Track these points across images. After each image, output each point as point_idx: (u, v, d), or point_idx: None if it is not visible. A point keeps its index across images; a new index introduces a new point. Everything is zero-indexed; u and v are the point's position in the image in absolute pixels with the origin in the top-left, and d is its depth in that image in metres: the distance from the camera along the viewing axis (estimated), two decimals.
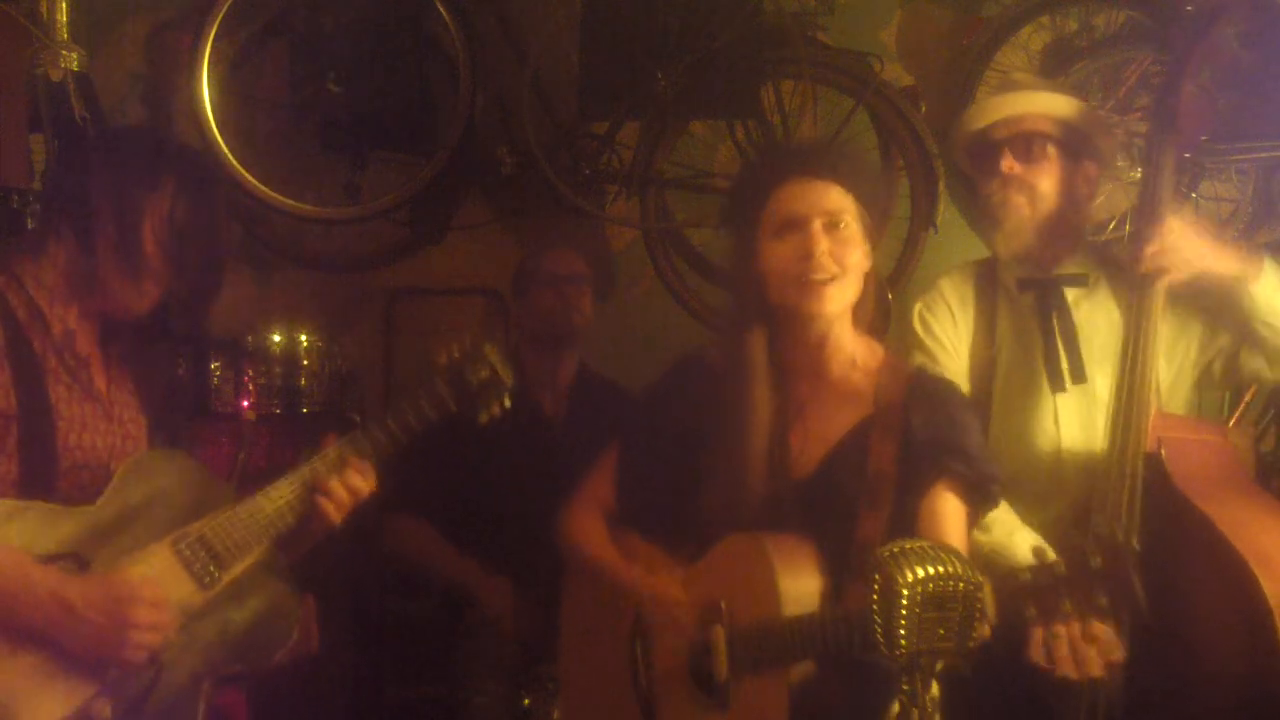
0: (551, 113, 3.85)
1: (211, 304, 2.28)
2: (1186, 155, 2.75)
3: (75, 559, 2.06)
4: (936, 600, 1.77)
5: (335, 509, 2.23)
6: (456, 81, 3.82)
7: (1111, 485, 2.47)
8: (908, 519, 2.19)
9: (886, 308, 2.35)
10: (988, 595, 1.84)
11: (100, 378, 2.23)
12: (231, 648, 2.16)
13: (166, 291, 2.20)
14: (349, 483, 2.24)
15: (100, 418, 2.21)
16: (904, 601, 1.76)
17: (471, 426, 2.37)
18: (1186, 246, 2.53)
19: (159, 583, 2.07)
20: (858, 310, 2.30)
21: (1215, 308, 2.63)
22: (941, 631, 1.78)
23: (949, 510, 2.21)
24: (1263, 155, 3.34)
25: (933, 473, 2.21)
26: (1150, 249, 2.53)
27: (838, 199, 2.23)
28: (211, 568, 2.13)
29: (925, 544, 1.83)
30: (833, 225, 2.22)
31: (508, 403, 2.39)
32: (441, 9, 3.79)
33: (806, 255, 2.20)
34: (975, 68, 3.87)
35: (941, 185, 3.69)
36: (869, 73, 3.70)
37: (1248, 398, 3.21)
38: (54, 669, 2.00)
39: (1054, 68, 3.76)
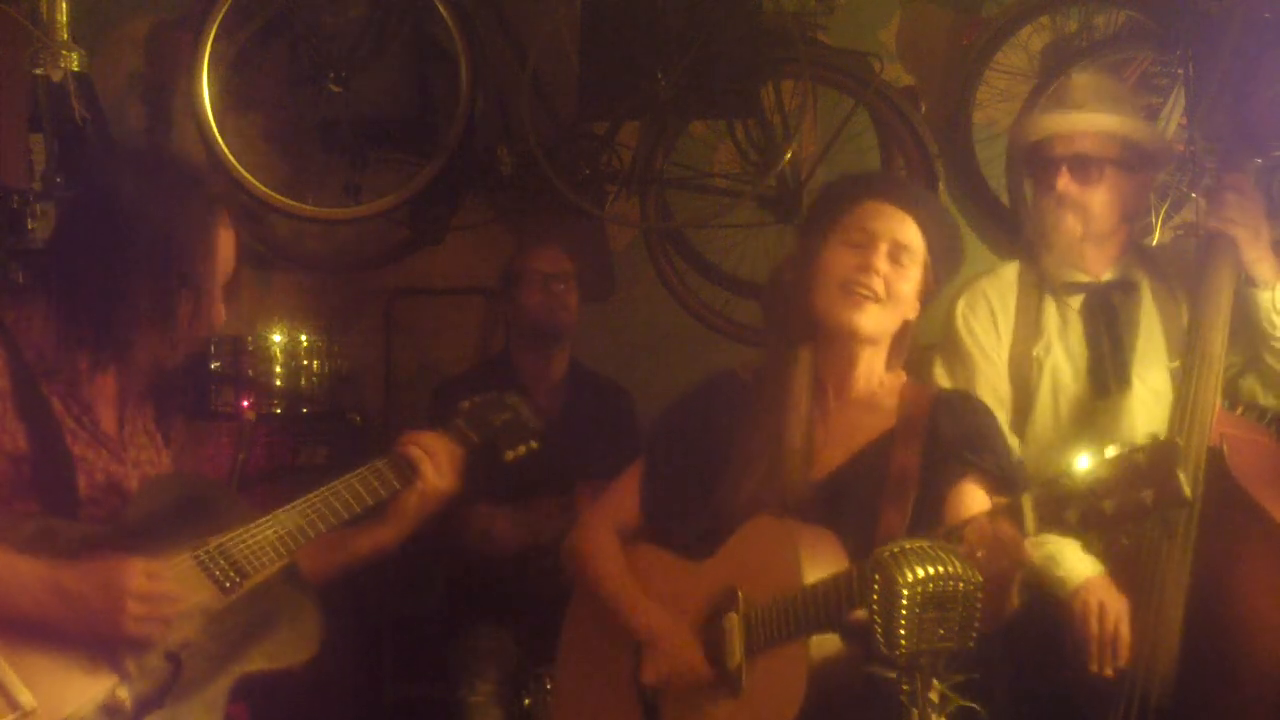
0: (551, 113, 3.85)
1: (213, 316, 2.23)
2: (1259, 160, 2.73)
3: None
4: (936, 600, 1.77)
5: (433, 469, 2.23)
6: (456, 81, 3.82)
7: None
8: (931, 516, 2.18)
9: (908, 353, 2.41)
10: (1028, 508, 1.87)
11: (109, 421, 2.19)
12: (257, 646, 2.12)
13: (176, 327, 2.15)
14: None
15: (112, 461, 2.17)
16: (904, 601, 1.76)
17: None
18: (1257, 206, 2.56)
19: (163, 568, 2.03)
20: (892, 351, 2.34)
21: (1236, 325, 2.64)
22: (941, 631, 1.79)
23: (974, 503, 2.19)
24: None
25: (958, 468, 2.22)
26: (1229, 196, 2.54)
27: (911, 234, 2.28)
28: (232, 573, 2.10)
29: (925, 544, 1.83)
30: (896, 255, 2.26)
31: (535, 445, 2.41)
32: (441, 9, 3.79)
33: (863, 268, 2.24)
34: (975, 68, 3.86)
35: (941, 185, 3.69)
36: (869, 73, 3.69)
37: (1239, 410, 3.21)
38: (61, 665, 1.97)
39: (1054, 68, 3.75)
